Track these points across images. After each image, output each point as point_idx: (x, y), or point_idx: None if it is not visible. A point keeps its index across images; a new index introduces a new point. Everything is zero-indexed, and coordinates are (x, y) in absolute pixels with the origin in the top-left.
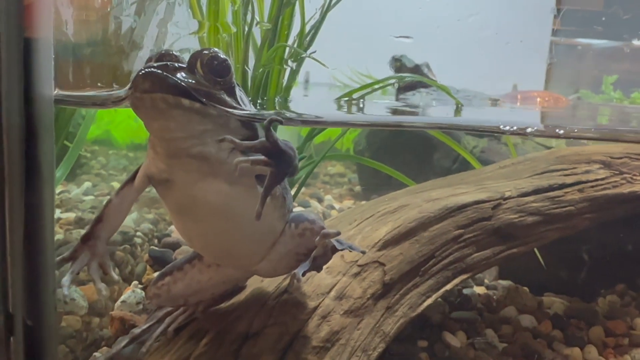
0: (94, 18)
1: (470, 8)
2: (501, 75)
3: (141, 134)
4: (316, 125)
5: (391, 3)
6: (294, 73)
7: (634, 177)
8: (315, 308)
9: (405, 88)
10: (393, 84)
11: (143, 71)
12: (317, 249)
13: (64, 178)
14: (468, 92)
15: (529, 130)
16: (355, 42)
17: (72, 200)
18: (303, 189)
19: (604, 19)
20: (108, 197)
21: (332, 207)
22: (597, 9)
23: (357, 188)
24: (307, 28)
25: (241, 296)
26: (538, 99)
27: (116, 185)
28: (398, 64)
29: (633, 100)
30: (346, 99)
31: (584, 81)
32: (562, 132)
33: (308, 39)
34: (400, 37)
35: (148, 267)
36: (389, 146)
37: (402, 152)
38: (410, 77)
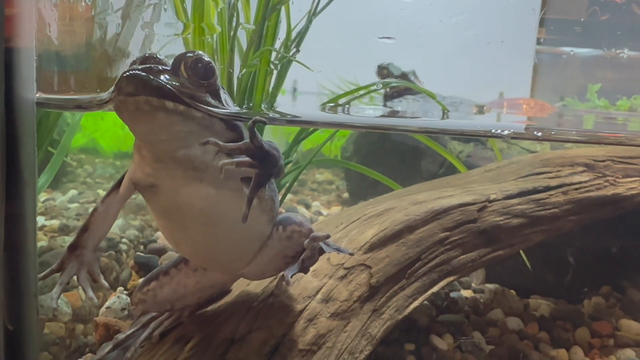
0: (78, 24)
1: (459, 19)
2: (488, 84)
3: (128, 142)
4: (299, 125)
5: (379, 13)
6: (280, 78)
7: (617, 180)
8: (302, 311)
9: (392, 95)
10: (377, 89)
11: (127, 74)
12: (305, 252)
13: (48, 185)
14: (455, 98)
15: (505, 132)
16: (342, 51)
17: (57, 208)
18: (291, 196)
19: (588, 28)
20: (94, 205)
21: (320, 214)
22: (581, 18)
23: (345, 195)
24: (294, 34)
25: (227, 300)
26: (524, 106)
27: (102, 193)
28: (385, 72)
29: (618, 108)
30: (332, 104)
31: (569, 89)
32: (540, 134)
33: (294, 45)
34: (383, 37)
35: (133, 273)
36: (376, 152)
37: (389, 158)
38: (396, 82)
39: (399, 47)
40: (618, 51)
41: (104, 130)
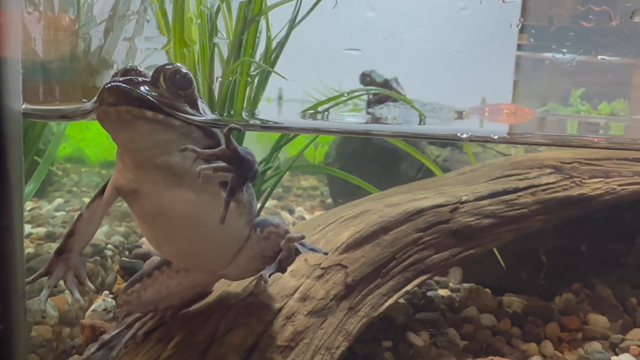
0: (62, 36)
1: (440, 25)
2: (471, 90)
3: (113, 151)
4: (274, 130)
5: (363, 21)
6: (260, 87)
7: (583, 181)
8: (280, 309)
9: (374, 102)
10: (358, 96)
11: (108, 85)
12: (282, 252)
13: (34, 194)
14: (434, 105)
15: (464, 136)
16: (327, 59)
17: (43, 216)
18: (275, 202)
19: (571, 34)
20: (79, 212)
21: (303, 218)
22: (564, 25)
23: (329, 200)
24: (274, 44)
25: (209, 300)
26: (505, 112)
27: (88, 200)
28: (368, 79)
29: (599, 112)
30: (311, 111)
31: (552, 94)
32: (496, 137)
33: (274, 55)
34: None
35: (119, 277)
36: (357, 158)
37: (369, 162)
38: (375, 90)
39: (382, 55)
40: (599, 56)
41: (90, 140)
